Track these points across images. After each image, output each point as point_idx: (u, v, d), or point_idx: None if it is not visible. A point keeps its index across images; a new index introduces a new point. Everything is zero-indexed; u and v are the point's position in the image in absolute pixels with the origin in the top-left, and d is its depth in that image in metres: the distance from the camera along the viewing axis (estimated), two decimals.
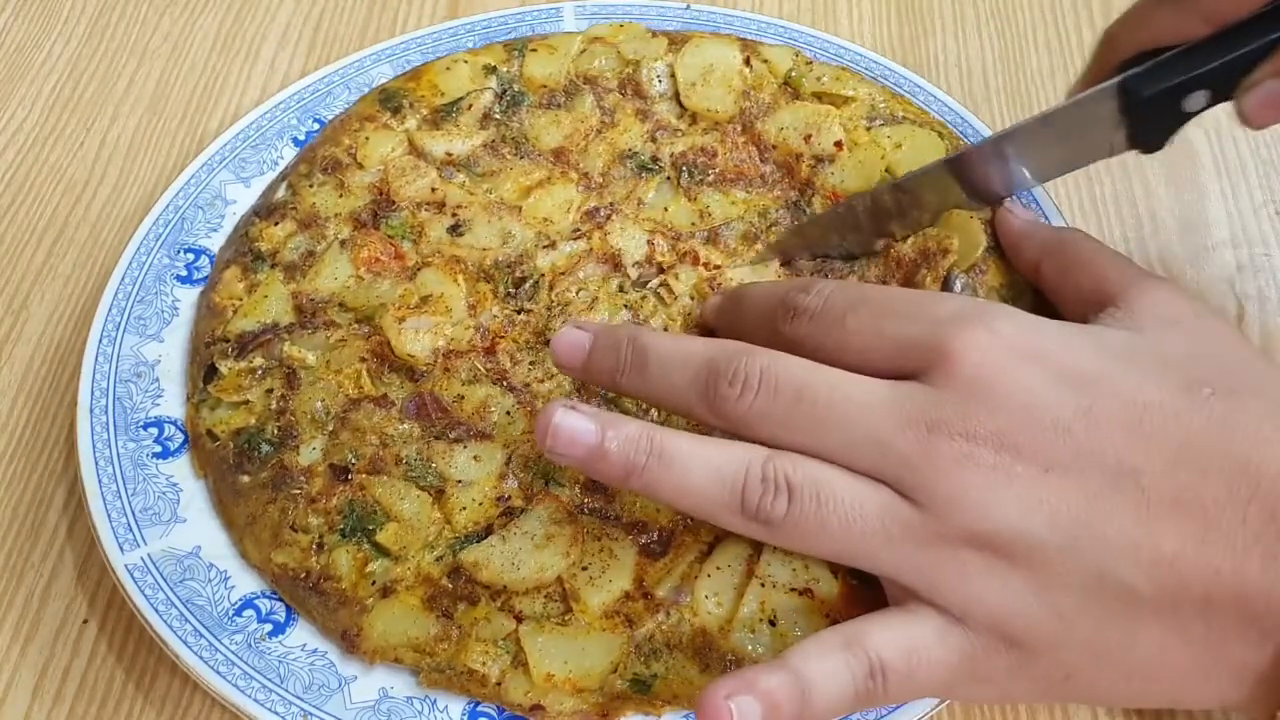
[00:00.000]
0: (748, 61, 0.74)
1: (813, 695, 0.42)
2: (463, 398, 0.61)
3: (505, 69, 0.75)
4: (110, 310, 0.64)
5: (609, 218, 0.68)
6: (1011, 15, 0.89)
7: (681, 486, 0.46)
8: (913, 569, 0.44)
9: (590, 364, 0.51)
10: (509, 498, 0.57)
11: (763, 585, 0.53)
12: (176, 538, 0.57)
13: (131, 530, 0.56)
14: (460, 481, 0.58)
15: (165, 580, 0.55)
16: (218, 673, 0.52)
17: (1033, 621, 0.43)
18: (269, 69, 0.86)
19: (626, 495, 0.57)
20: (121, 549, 0.56)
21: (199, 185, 0.70)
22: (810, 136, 0.70)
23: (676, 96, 0.74)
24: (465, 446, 0.59)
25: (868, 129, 0.70)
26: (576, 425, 0.46)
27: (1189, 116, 0.54)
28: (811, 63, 0.74)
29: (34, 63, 0.87)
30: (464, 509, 0.57)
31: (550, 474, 0.58)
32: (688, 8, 0.80)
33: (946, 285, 0.64)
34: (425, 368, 0.62)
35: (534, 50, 0.76)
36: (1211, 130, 0.80)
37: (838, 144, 0.69)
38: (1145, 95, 0.53)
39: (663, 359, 0.49)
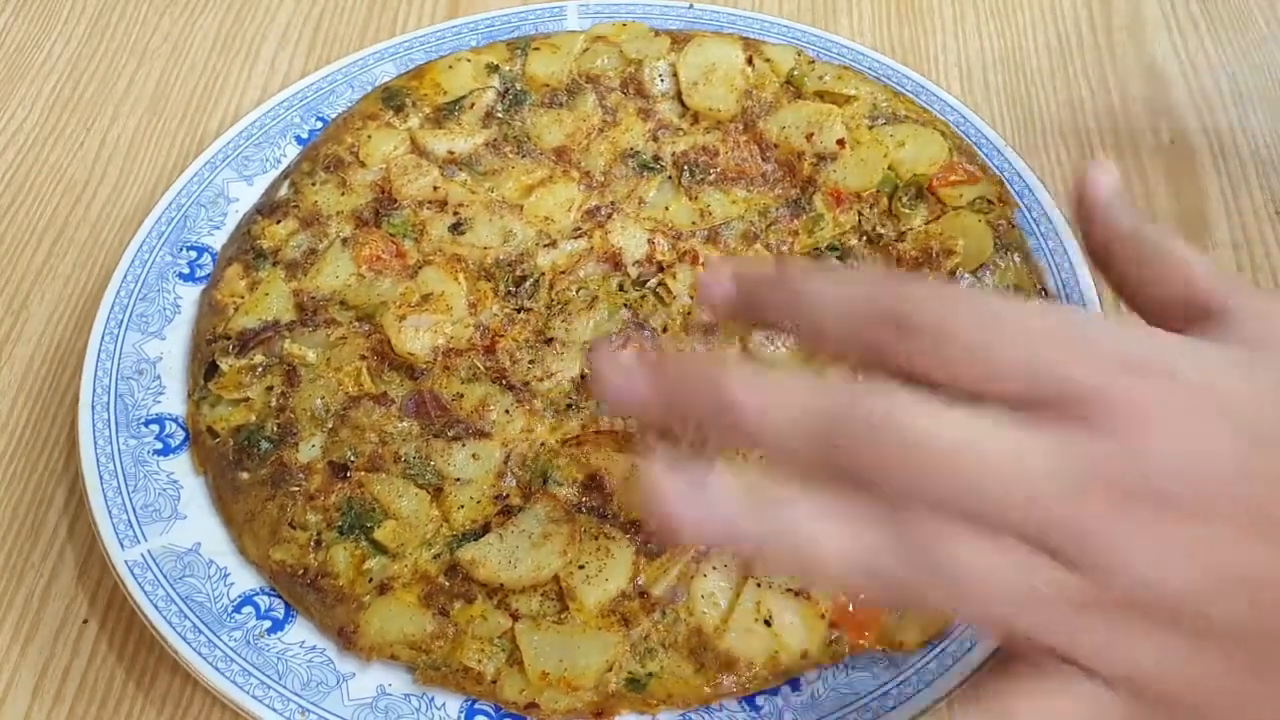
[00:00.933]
0: (750, 61, 0.74)
1: None
2: (462, 396, 0.61)
3: (508, 68, 0.76)
4: (113, 308, 0.64)
5: (610, 216, 0.68)
6: (1011, 15, 0.89)
7: (810, 563, 0.40)
8: (1064, 634, 0.40)
9: (660, 410, 0.44)
10: (507, 496, 0.57)
11: (759, 586, 0.53)
12: (177, 534, 0.57)
13: (132, 526, 0.57)
14: (458, 479, 0.58)
15: (165, 577, 0.55)
16: (216, 669, 0.52)
17: (1197, 688, 0.39)
18: (269, 69, 0.86)
19: (624, 494, 0.57)
20: (122, 545, 0.56)
21: (202, 183, 0.71)
22: (812, 135, 0.70)
23: (679, 95, 0.74)
24: (464, 445, 0.59)
25: (870, 128, 0.70)
26: (708, 503, 0.40)
27: None
28: (814, 62, 0.74)
29: (34, 63, 0.87)
30: (462, 507, 0.57)
31: (548, 472, 0.58)
32: (690, 7, 0.80)
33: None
34: (425, 366, 0.62)
35: (536, 49, 0.76)
36: (1211, 130, 0.80)
37: (840, 142, 0.69)
38: None
39: (763, 409, 0.41)
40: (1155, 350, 0.40)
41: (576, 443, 0.59)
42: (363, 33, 0.88)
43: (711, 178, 0.70)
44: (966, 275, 0.63)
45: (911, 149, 0.69)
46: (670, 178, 0.70)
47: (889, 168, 0.68)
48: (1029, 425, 0.38)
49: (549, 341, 0.63)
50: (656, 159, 0.71)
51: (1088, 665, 0.39)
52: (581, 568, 0.54)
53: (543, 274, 0.66)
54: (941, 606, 0.40)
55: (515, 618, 0.53)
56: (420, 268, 0.66)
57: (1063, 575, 0.38)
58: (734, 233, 0.67)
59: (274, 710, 0.51)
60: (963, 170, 0.68)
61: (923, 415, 0.39)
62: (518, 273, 0.66)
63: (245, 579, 0.56)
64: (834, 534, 0.39)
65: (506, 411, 0.60)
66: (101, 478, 0.58)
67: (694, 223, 0.68)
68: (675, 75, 0.74)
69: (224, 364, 0.62)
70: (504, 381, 0.61)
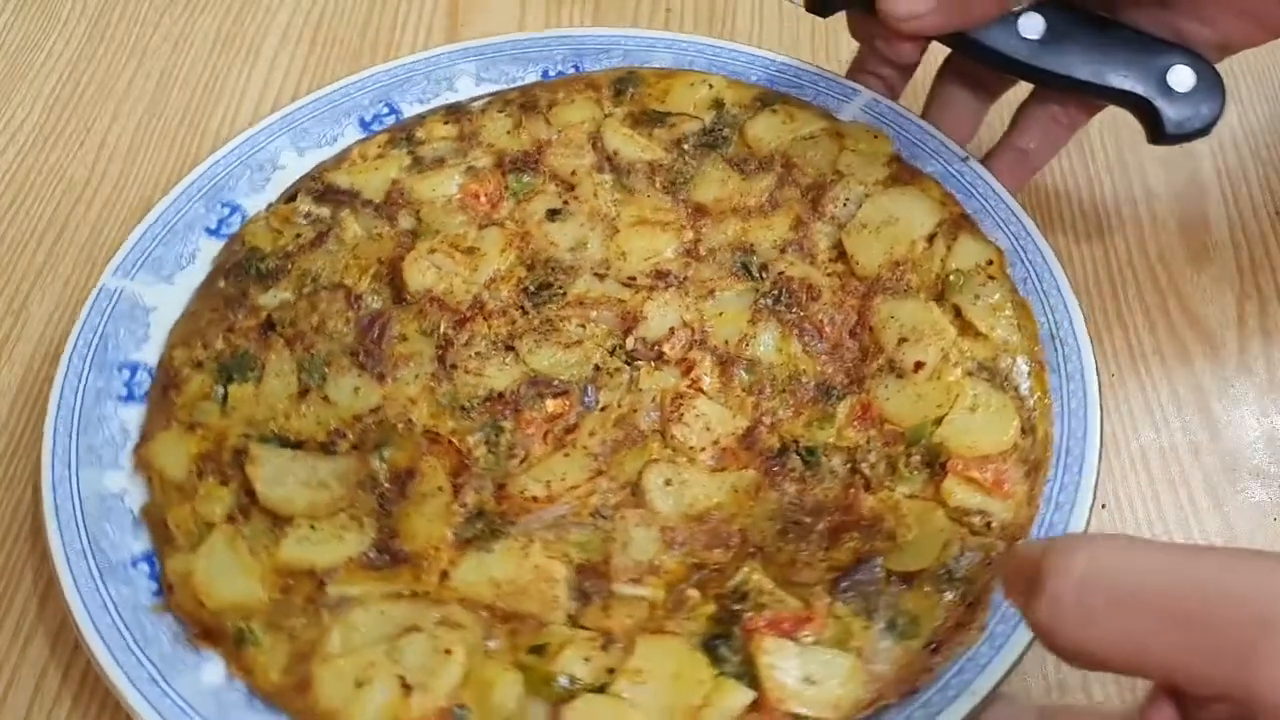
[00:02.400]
0: (931, 238, 0.65)
1: None
2: (405, 338, 0.63)
3: (736, 111, 0.73)
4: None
5: (668, 288, 0.65)
6: None
7: None
8: None
9: None
10: (342, 434, 0.60)
11: (371, 667, 0.51)
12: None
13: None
14: (326, 397, 0.61)
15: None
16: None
17: None
18: (269, 69, 0.86)
19: (411, 504, 0.57)
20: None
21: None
22: (905, 341, 0.61)
23: (842, 227, 0.67)
24: (359, 375, 0.62)
25: (966, 374, 0.59)
26: None
27: None
28: (993, 275, 0.63)
29: (34, 63, 0.86)
30: (305, 417, 0.60)
31: (388, 445, 0.59)
32: (965, 160, 0.71)
33: (857, 563, 0.54)
34: (410, 298, 0.65)
35: (775, 111, 0.72)
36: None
37: (918, 365, 0.60)
38: None
39: None
40: None
41: (431, 438, 0.60)
42: (363, 33, 0.85)
43: (791, 316, 0.63)
44: (878, 565, 0.54)
45: (977, 421, 0.58)
46: (757, 290, 0.65)
47: (934, 419, 0.58)
48: None
49: (509, 349, 0.63)
50: (764, 270, 0.65)
51: None
52: (312, 527, 0.56)
53: (564, 295, 0.65)
54: None
55: (231, 520, 0.56)
56: (491, 225, 0.68)
57: None
58: (748, 376, 0.61)
59: None
60: (997, 475, 0.56)
61: None
62: (549, 279, 0.66)
63: None
64: None
65: (416, 376, 0.62)
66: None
67: (727, 341, 0.63)
68: (858, 207, 0.67)
69: (300, 200, 0.70)
70: (442, 353, 0.63)
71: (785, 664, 0.50)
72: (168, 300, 0.66)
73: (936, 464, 0.57)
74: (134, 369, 0.63)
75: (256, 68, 0.86)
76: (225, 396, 0.61)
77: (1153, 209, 0.76)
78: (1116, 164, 0.78)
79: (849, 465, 0.58)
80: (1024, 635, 0.51)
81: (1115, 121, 0.77)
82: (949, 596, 0.53)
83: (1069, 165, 0.78)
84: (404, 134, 0.73)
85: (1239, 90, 0.82)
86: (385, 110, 0.76)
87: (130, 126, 0.82)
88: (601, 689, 0.50)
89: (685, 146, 0.72)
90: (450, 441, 0.60)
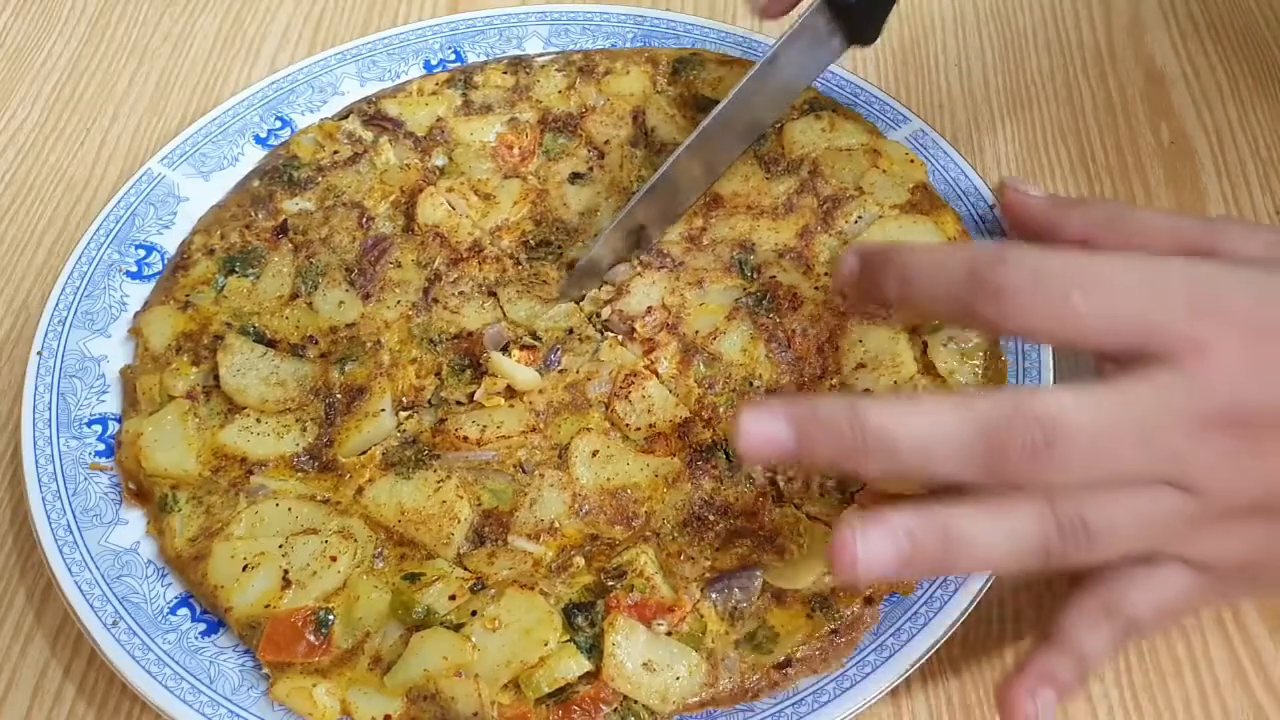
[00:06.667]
0: None
1: (1086, 666, 0.48)
2: (400, 265, 0.66)
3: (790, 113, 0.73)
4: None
5: (661, 268, 0.66)
6: (1011, 15, 0.89)
7: (985, 562, 0.48)
8: (1179, 544, 0.46)
9: (803, 450, 0.45)
10: (314, 341, 0.63)
11: (262, 555, 0.55)
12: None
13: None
14: (310, 304, 0.65)
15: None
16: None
17: (1259, 557, 0.47)
18: (269, 69, 0.85)
19: (354, 430, 0.60)
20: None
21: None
22: (862, 367, 0.60)
23: (846, 243, 0.66)
24: (347, 291, 0.65)
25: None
26: (879, 544, 0.44)
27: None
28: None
29: (34, 63, 0.86)
30: (286, 319, 0.64)
31: (351, 360, 0.62)
32: (993, 207, 0.69)
33: (740, 569, 0.54)
34: (416, 230, 0.68)
35: (820, 116, 0.72)
36: (1211, 131, 0.79)
37: (864, 393, 0.59)
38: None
39: (915, 437, 0.44)
40: (1212, 290, 0.45)
41: (393, 362, 0.63)
42: (363, 33, 0.83)
43: (766, 321, 0.63)
44: (757, 576, 0.54)
45: None
46: (744, 289, 0.65)
47: None
48: (1128, 384, 0.44)
49: (491, 294, 0.65)
50: (757, 271, 0.65)
51: (1184, 558, 0.47)
52: (258, 420, 0.60)
53: (561, 254, 0.67)
54: (1083, 561, 0.46)
55: (191, 397, 0.61)
56: (515, 177, 0.71)
57: (1180, 502, 0.45)
58: (705, 369, 0.62)
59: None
60: None
61: (1078, 411, 0.43)
62: (551, 237, 0.68)
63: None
64: (998, 528, 0.45)
65: (398, 302, 0.65)
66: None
67: (698, 331, 0.63)
68: (868, 226, 0.66)
69: (349, 119, 0.74)
70: (428, 288, 0.66)
71: (630, 646, 0.51)
72: (201, 194, 0.71)
73: (849, 491, 0.56)
74: (150, 250, 0.69)
75: (256, 68, 0.86)
76: (223, 286, 0.66)
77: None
78: (1116, 164, 0.78)
79: (768, 475, 0.58)
80: (873, 687, 0.51)
81: (1115, 124, 0.80)
82: (816, 622, 0.52)
83: (1069, 165, 0.78)
84: (463, 76, 0.76)
85: (1239, 90, 0.81)
86: (452, 57, 0.79)
87: (130, 126, 0.82)
88: (458, 627, 0.52)
89: None
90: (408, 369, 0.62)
